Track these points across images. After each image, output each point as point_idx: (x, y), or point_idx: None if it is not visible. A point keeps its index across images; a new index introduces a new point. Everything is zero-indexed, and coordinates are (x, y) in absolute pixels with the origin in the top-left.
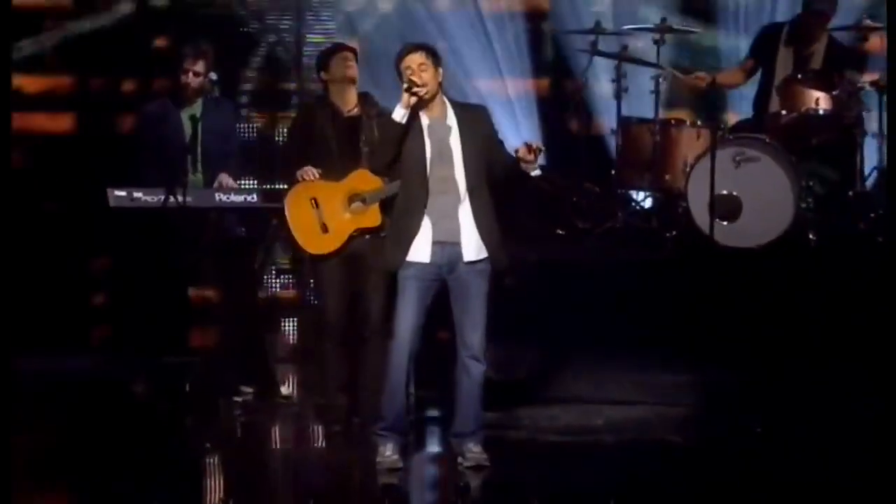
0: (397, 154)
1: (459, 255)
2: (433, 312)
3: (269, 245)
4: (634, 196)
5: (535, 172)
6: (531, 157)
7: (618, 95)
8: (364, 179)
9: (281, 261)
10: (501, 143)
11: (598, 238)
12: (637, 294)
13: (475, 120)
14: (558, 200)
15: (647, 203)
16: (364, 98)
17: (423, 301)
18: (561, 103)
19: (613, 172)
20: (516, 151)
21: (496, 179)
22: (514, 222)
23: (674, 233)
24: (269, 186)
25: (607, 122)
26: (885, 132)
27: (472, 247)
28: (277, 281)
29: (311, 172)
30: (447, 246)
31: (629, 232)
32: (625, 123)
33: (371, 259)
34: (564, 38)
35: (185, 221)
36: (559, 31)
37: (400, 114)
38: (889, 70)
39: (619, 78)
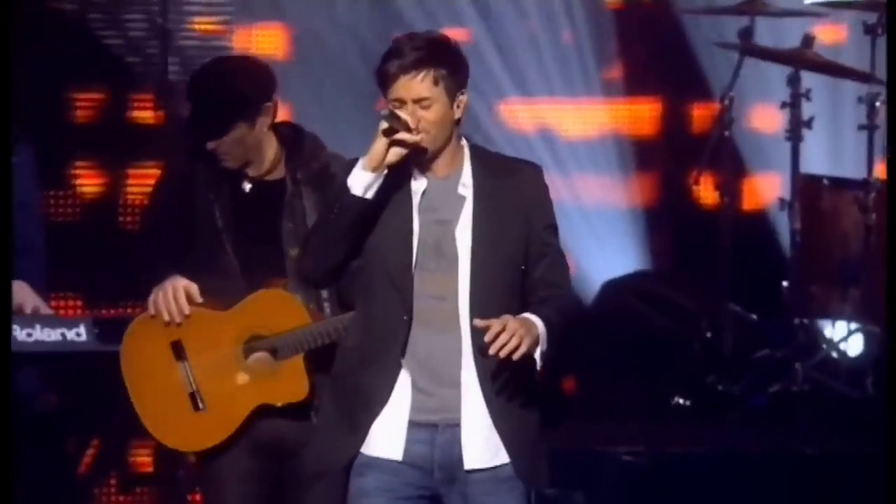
0: (351, 252)
1: (461, 451)
2: None
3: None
4: (828, 331)
5: (537, 359)
6: (497, 346)
7: (794, 133)
8: (274, 307)
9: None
10: (559, 250)
11: (758, 412)
12: None
13: (513, 189)
14: (678, 340)
15: (855, 346)
16: (294, 142)
17: None
18: (683, 147)
19: (786, 284)
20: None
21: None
22: (587, 382)
23: None
24: (111, 310)
25: (773, 184)
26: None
27: (482, 439)
28: (130, 497)
29: (176, 297)
30: (441, 431)
31: (819, 401)
32: (808, 187)
33: (306, 454)
34: (689, 24)
35: None
36: (679, 12)
37: (363, 181)
38: (889, 70)
39: (796, 99)
